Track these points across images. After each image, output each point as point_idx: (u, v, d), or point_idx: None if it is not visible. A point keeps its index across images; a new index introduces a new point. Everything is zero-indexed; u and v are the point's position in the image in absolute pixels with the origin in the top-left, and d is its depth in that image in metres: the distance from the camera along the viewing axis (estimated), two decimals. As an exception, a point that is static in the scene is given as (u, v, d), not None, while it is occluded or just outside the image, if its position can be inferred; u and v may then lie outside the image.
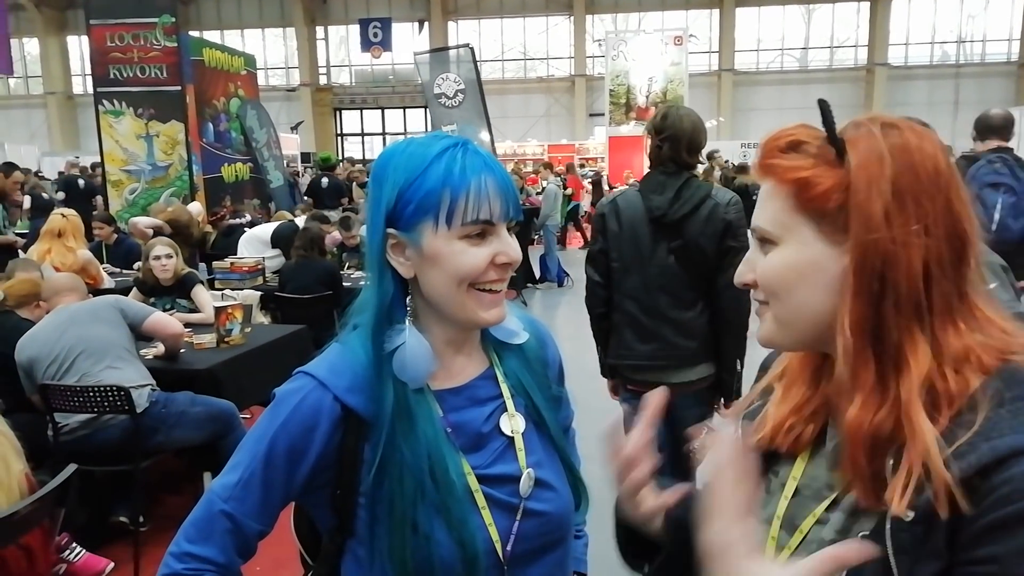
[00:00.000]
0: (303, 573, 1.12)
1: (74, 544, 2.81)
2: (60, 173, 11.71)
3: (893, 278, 0.68)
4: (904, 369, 0.68)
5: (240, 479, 0.92)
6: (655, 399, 0.85)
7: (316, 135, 24.45)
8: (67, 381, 2.89)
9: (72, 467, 1.96)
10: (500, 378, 1.01)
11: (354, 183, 11.42)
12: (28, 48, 25.40)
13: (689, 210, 2.36)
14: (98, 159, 8.74)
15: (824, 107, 0.71)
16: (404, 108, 25.35)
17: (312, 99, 24.84)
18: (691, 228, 2.36)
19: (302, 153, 18.68)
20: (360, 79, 25.80)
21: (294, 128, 20.27)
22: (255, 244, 5.97)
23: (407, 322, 0.95)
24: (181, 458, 3.46)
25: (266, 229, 6.19)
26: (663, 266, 2.40)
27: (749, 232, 0.80)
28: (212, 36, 21.67)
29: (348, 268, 5.88)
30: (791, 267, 0.73)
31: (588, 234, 12.49)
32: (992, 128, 3.68)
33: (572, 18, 24.06)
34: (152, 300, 4.04)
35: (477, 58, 11.29)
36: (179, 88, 8.24)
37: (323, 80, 25.69)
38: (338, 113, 26.18)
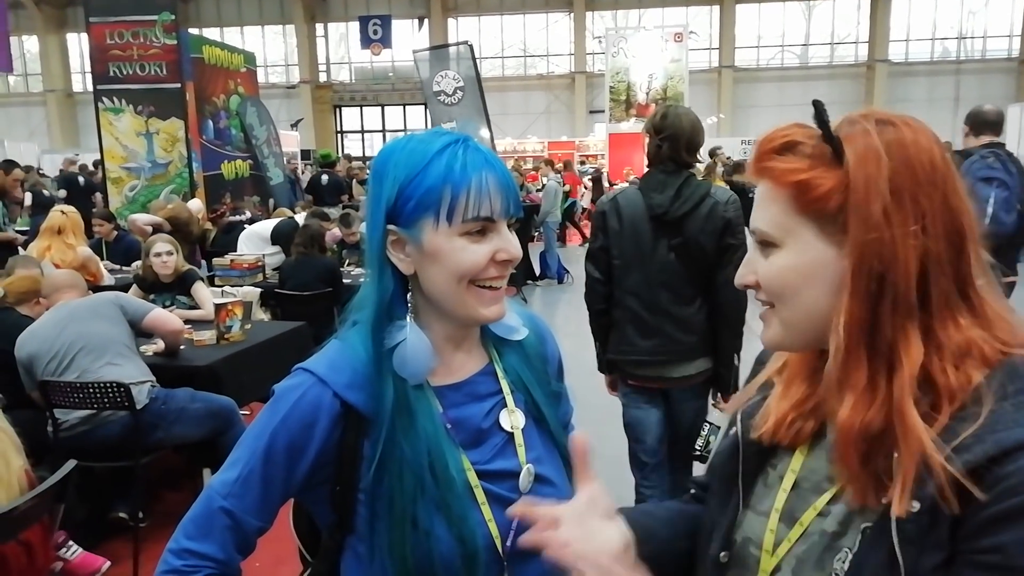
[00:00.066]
0: (302, 570, 1.12)
1: (71, 542, 2.81)
2: (61, 171, 11.68)
3: (891, 277, 0.68)
4: (896, 367, 0.68)
5: (239, 476, 0.92)
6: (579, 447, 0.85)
7: (316, 132, 24.43)
8: (67, 377, 2.89)
9: (72, 463, 1.96)
10: (500, 374, 1.01)
11: (354, 180, 11.42)
12: (28, 46, 25.37)
13: (690, 208, 2.39)
14: (98, 156, 8.74)
15: (818, 107, 0.71)
16: (404, 105, 25.33)
17: (312, 96, 24.82)
18: (691, 226, 2.39)
19: (302, 150, 18.67)
20: (360, 76, 25.77)
21: (294, 125, 20.24)
22: (255, 241, 5.97)
23: (408, 319, 0.95)
24: (181, 454, 3.46)
25: (266, 226, 6.19)
26: (664, 263, 2.43)
27: (748, 231, 0.79)
28: (212, 33, 21.65)
29: (348, 265, 5.88)
30: (795, 270, 0.72)
31: (586, 231, 12.53)
32: (988, 123, 3.75)
33: (572, 15, 24.03)
34: (152, 297, 4.04)
35: (476, 55, 11.27)
36: (179, 85, 8.24)
37: (323, 77, 25.66)
38: (338, 110, 26.15)
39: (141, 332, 3.23)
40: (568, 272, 9.28)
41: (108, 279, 5.19)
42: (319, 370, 0.94)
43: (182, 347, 3.44)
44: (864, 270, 0.68)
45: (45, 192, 9.69)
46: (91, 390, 2.84)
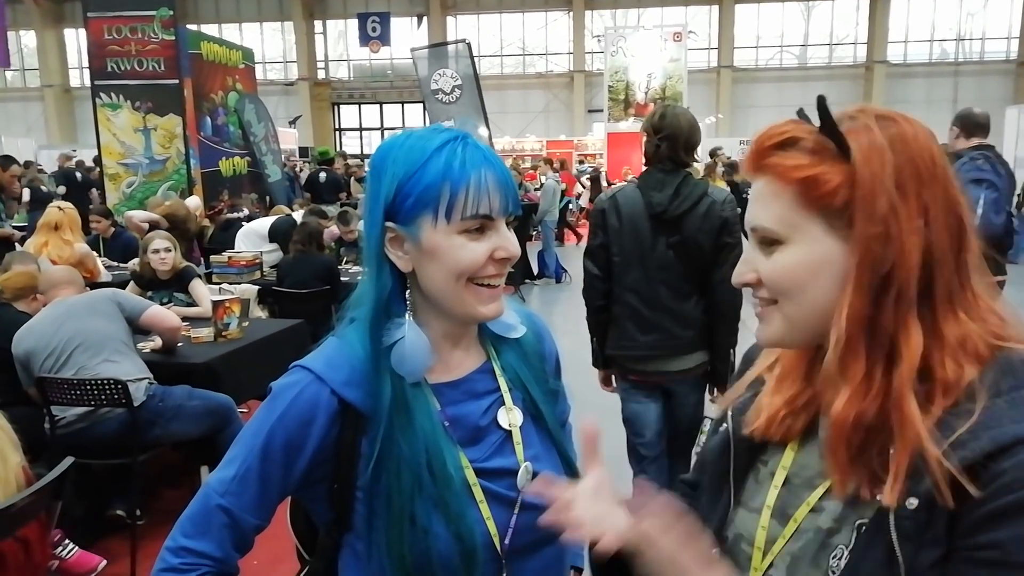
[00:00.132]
0: (300, 568, 1.12)
1: (67, 540, 2.81)
2: (60, 167, 11.66)
3: (896, 270, 0.68)
4: (896, 360, 0.69)
5: (237, 473, 0.92)
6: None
7: (314, 130, 24.40)
8: (64, 374, 2.88)
9: (69, 460, 1.96)
10: (498, 372, 1.01)
11: (352, 177, 11.40)
12: (25, 41, 25.29)
13: (688, 207, 2.44)
14: (95, 152, 8.72)
15: (822, 103, 0.71)
16: (402, 103, 25.31)
17: (310, 93, 24.77)
18: (689, 224, 2.44)
19: (300, 148, 18.65)
20: (358, 74, 25.73)
21: (292, 122, 20.22)
22: (252, 238, 5.96)
23: (407, 316, 0.95)
24: (178, 452, 3.46)
25: (264, 223, 6.18)
26: (662, 260, 2.48)
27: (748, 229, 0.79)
28: (210, 30, 21.54)
29: (346, 263, 5.88)
30: (804, 266, 0.72)
31: (578, 231, 12.53)
32: (979, 125, 3.85)
33: (571, 13, 24.01)
34: (150, 294, 4.03)
35: (475, 53, 11.27)
36: (177, 82, 8.22)
37: (321, 74, 25.62)
38: (336, 108, 26.11)
39: (139, 329, 3.23)
40: (566, 271, 9.28)
41: (105, 276, 5.18)
42: (316, 367, 0.94)
43: (180, 344, 3.44)
44: (869, 264, 0.69)
45: (43, 188, 9.68)
46: (88, 387, 2.84)
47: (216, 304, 3.64)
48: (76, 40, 24.17)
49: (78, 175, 10.60)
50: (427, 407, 0.94)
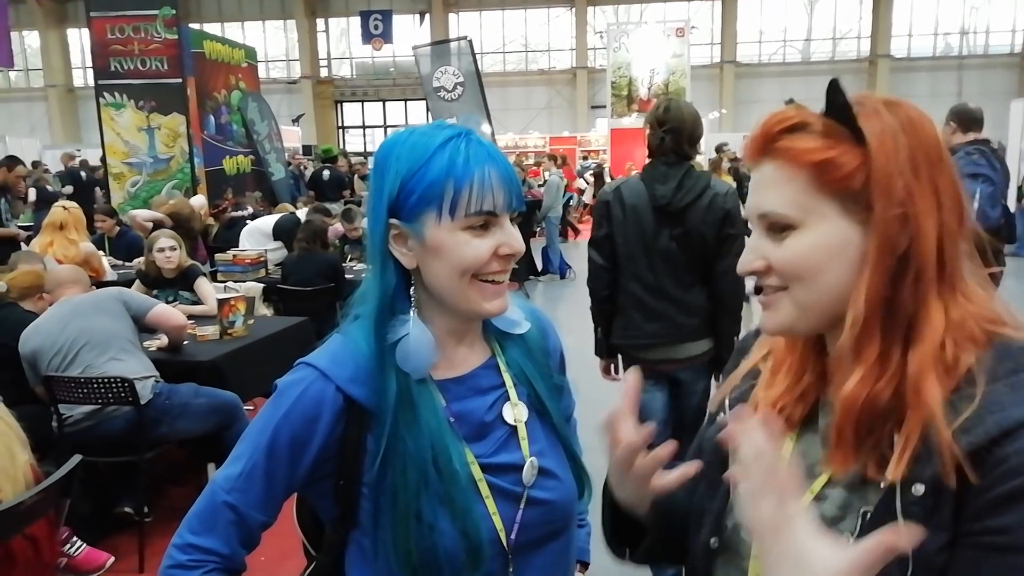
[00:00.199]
0: (307, 564, 1.13)
1: (75, 538, 2.82)
2: (66, 166, 11.70)
3: (915, 251, 0.69)
4: (915, 341, 0.69)
5: (243, 470, 0.93)
6: (632, 379, 0.84)
7: (317, 128, 24.41)
8: (71, 373, 2.90)
9: (77, 458, 1.97)
10: (502, 367, 1.01)
11: (356, 175, 11.41)
12: (28, 41, 25.33)
13: (691, 199, 2.48)
14: (99, 152, 8.75)
15: (837, 86, 0.71)
16: (405, 101, 25.29)
17: (313, 92, 24.78)
18: (693, 216, 2.48)
19: (303, 146, 18.66)
20: (361, 71, 25.72)
21: (295, 121, 20.24)
22: (257, 236, 5.97)
23: (411, 313, 0.95)
24: (185, 449, 3.47)
25: (268, 221, 6.19)
26: (666, 251, 2.52)
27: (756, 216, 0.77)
28: (213, 28, 21.48)
29: (350, 260, 5.89)
30: (821, 249, 0.71)
31: (578, 227, 12.50)
32: (975, 120, 3.92)
33: (574, 10, 23.96)
34: (155, 292, 4.04)
35: (477, 50, 11.25)
36: (180, 81, 8.24)
37: (324, 72, 25.62)
38: (339, 106, 26.11)
39: (144, 327, 3.24)
40: (570, 267, 9.27)
41: (110, 275, 5.20)
42: (321, 364, 0.94)
43: (185, 342, 3.45)
44: (889, 246, 0.69)
45: (49, 188, 9.71)
46: (95, 385, 2.85)
47: (221, 302, 3.65)
48: (79, 40, 24.19)
49: (83, 174, 10.63)
50: (432, 403, 0.94)
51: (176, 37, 8.17)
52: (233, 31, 23.43)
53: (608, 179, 13.79)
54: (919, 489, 0.65)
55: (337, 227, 5.86)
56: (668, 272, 2.52)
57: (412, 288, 0.97)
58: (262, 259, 5.42)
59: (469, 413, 0.97)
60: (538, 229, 10.05)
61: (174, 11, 8.18)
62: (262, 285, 5.01)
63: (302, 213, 6.17)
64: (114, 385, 2.84)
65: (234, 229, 6.60)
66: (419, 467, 0.91)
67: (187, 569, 0.91)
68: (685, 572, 0.90)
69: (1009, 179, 8.21)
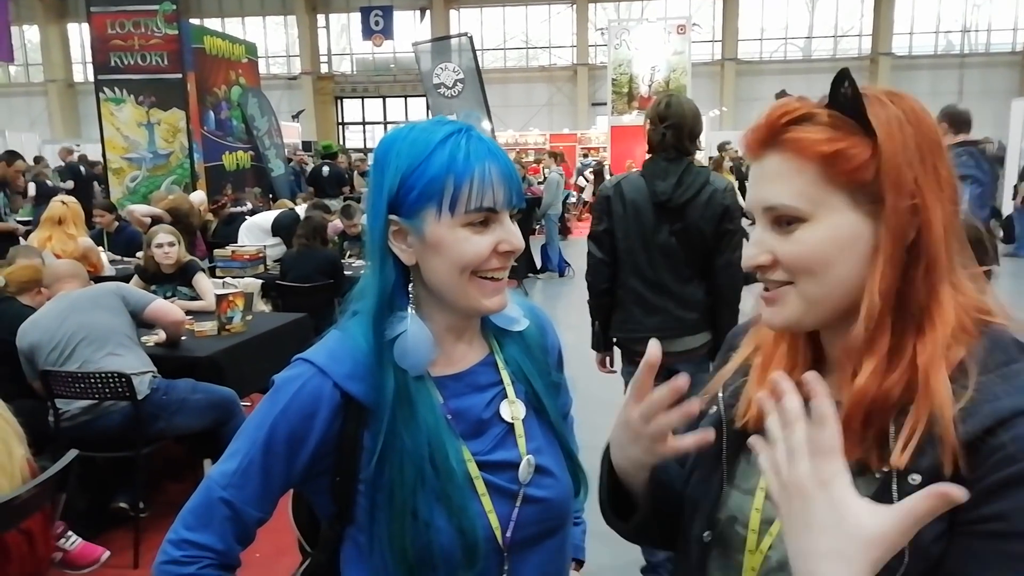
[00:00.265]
0: (302, 560, 1.12)
1: (70, 532, 2.82)
2: (68, 161, 11.69)
3: (924, 242, 0.69)
4: (927, 330, 0.69)
5: (239, 466, 0.92)
6: (653, 350, 0.82)
7: (317, 124, 24.38)
8: (68, 367, 2.89)
9: (73, 453, 1.96)
10: (500, 365, 1.01)
11: (355, 171, 11.40)
12: (28, 35, 25.29)
13: (691, 195, 2.50)
14: (99, 147, 8.74)
15: (848, 76, 0.70)
16: (405, 97, 25.27)
17: (313, 87, 24.75)
18: (692, 212, 2.50)
19: (303, 142, 18.64)
20: (361, 67, 25.70)
21: (295, 116, 20.21)
22: (256, 232, 5.97)
23: (409, 310, 0.95)
24: (182, 445, 3.47)
25: (267, 217, 6.19)
26: (666, 246, 2.54)
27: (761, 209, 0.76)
28: (213, 23, 21.57)
29: (349, 256, 5.88)
30: (832, 242, 0.71)
31: (571, 225, 12.47)
32: (966, 121, 4.02)
33: (574, 6, 23.93)
34: (153, 287, 4.04)
35: (477, 47, 11.23)
36: (180, 76, 8.23)
37: (324, 68, 25.58)
38: (339, 102, 26.08)
39: (142, 323, 3.23)
40: (569, 265, 9.27)
41: (109, 270, 5.20)
42: (319, 360, 0.94)
43: (183, 338, 3.44)
44: (900, 237, 0.69)
45: (48, 182, 9.70)
46: (92, 380, 2.84)
47: (220, 298, 3.64)
48: (79, 35, 24.16)
49: (82, 169, 10.62)
50: (430, 400, 0.94)
51: (176, 32, 8.15)
52: (233, 26, 23.40)
53: (608, 176, 13.79)
54: (916, 479, 0.65)
55: (336, 223, 5.86)
56: (667, 267, 2.55)
57: (411, 284, 0.96)
58: (261, 255, 5.42)
59: (466, 410, 0.97)
60: (537, 227, 10.04)
61: (174, 6, 8.16)
62: (261, 281, 5.01)
63: (301, 209, 6.16)
64: (111, 380, 2.84)
65: (233, 225, 6.59)
66: (416, 464, 0.90)
67: (182, 565, 0.91)
68: (677, 563, 0.90)
69: (998, 180, 8.30)
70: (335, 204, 7.17)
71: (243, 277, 5.04)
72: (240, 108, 9.78)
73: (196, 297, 4.08)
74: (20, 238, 5.96)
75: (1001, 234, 10.59)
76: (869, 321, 0.70)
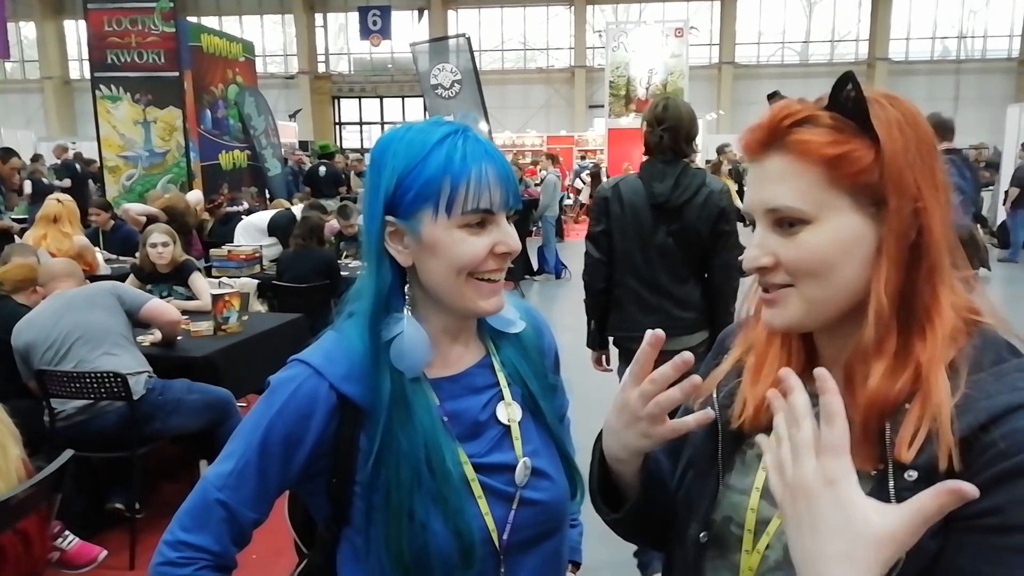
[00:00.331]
0: (298, 561, 1.12)
1: (67, 532, 2.81)
2: (59, 159, 11.66)
3: (926, 243, 0.70)
4: (927, 330, 0.70)
5: (235, 468, 0.92)
6: (655, 332, 0.81)
7: (314, 123, 24.35)
8: (64, 367, 2.88)
9: (69, 453, 1.96)
10: (497, 367, 1.01)
11: (352, 172, 11.39)
12: (25, 32, 25.22)
13: (688, 197, 2.54)
14: (95, 144, 8.72)
15: (852, 78, 0.70)
16: (403, 97, 25.25)
17: (310, 87, 24.72)
18: (689, 213, 2.54)
19: (300, 141, 18.62)
20: (359, 67, 25.67)
21: (292, 116, 20.18)
22: (251, 232, 5.95)
23: (405, 311, 0.95)
24: (178, 445, 3.46)
25: (263, 217, 6.17)
26: (663, 246, 2.58)
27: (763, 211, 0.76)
28: (210, 22, 21.53)
29: (346, 257, 5.88)
30: (835, 244, 0.71)
31: (566, 227, 12.45)
32: (949, 129, 4.10)
33: (572, 8, 23.95)
34: (149, 287, 4.03)
35: (475, 48, 11.23)
36: (177, 74, 8.21)
37: (321, 68, 25.56)
38: (336, 101, 26.05)
39: (138, 322, 3.22)
40: (566, 267, 9.27)
41: (104, 269, 5.18)
42: (315, 361, 0.94)
43: (179, 338, 3.44)
44: (904, 239, 0.70)
45: (44, 180, 9.67)
46: (88, 380, 2.84)
47: (216, 298, 3.64)
48: (76, 32, 24.10)
49: (77, 166, 10.60)
50: (426, 402, 0.93)
51: (173, 30, 8.13)
52: (231, 25, 23.36)
53: (605, 179, 13.80)
54: (912, 475, 0.66)
55: (333, 224, 5.85)
56: (664, 267, 2.59)
57: (407, 286, 0.96)
58: (257, 255, 5.41)
59: (463, 412, 0.97)
60: (534, 228, 10.04)
61: (172, 4, 8.14)
62: (257, 281, 5.00)
63: (297, 209, 6.15)
64: (107, 380, 2.83)
65: (229, 224, 6.58)
66: (412, 466, 0.90)
67: (177, 566, 0.91)
68: (672, 564, 0.90)
69: (981, 188, 8.37)
70: (331, 204, 7.16)
71: (239, 277, 5.03)
72: (237, 107, 9.75)
73: (192, 297, 4.07)
74: (15, 236, 5.94)
75: (995, 241, 10.64)
76: (878, 323, 0.70)
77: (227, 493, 0.92)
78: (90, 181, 10.21)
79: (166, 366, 3.18)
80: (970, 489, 0.55)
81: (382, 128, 25.14)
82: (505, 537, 0.94)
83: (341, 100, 26.11)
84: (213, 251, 5.55)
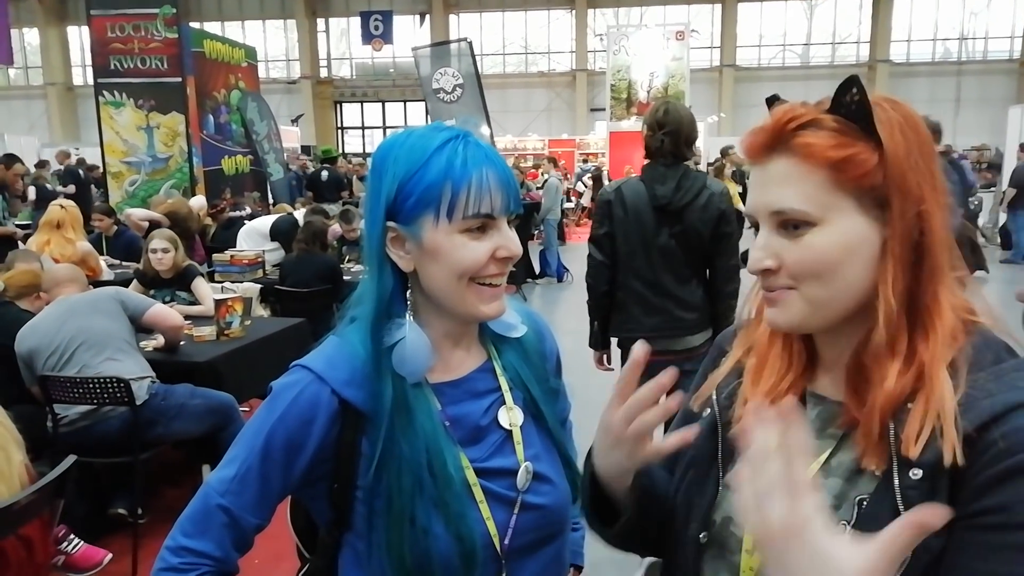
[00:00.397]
0: (300, 566, 1.12)
1: (72, 536, 2.81)
2: (62, 165, 11.69)
3: (928, 244, 0.71)
4: (930, 330, 0.71)
5: (237, 473, 0.92)
6: (639, 349, 0.80)
7: (316, 128, 24.41)
8: (67, 372, 2.89)
9: (72, 458, 1.96)
10: (498, 371, 1.01)
11: (354, 176, 11.41)
12: (28, 38, 25.32)
13: (690, 199, 2.58)
14: (98, 150, 8.74)
15: (857, 82, 0.71)
16: (405, 101, 25.31)
17: (313, 92, 24.78)
18: (690, 215, 2.59)
19: (302, 146, 18.66)
20: (361, 72, 25.73)
21: (294, 121, 20.24)
22: (254, 237, 5.97)
23: (408, 317, 0.95)
24: (180, 450, 3.46)
25: (265, 222, 6.19)
26: (665, 248, 2.62)
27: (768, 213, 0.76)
28: (213, 28, 21.56)
29: (348, 261, 5.88)
30: (841, 245, 0.71)
31: (571, 232, 12.45)
32: (938, 131, 4.39)
33: (574, 12, 23.99)
34: (152, 292, 4.03)
35: (477, 52, 11.24)
36: (180, 79, 8.24)
37: (324, 73, 25.62)
38: (338, 106, 26.12)
39: (141, 327, 3.23)
40: (568, 270, 9.27)
41: (108, 274, 5.19)
42: (317, 367, 0.94)
43: (182, 343, 3.44)
44: (908, 240, 0.71)
45: (48, 186, 9.71)
46: (91, 385, 2.84)
47: (218, 303, 3.64)
48: (79, 38, 24.19)
49: (80, 173, 10.63)
50: (428, 407, 0.93)
51: (176, 36, 8.17)
52: (233, 30, 23.44)
53: (607, 182, 13.80)
54: (917, 473, 0.66)
55: (335, 228, 5.86)
56: (667, 268, 2.63)
57: (409, 291, 0.96)
58: (259, 260, 5.42)
59: (464, 417, 0.97)
60: (536, 232, 10.04)
61: (174, 10, 8.17)
62: (259, 286, 5.01)
63: (299, 214, 6.16)
64: (110, 385, 2.83)
65: (232, 229, 6.59)
66: (414, 471, 0.90)
67: (179, 572, 0.91)
68: (668, 564, 0.90)
69: (967, 190, 8.36)
70: (334, 208, 7.16)
71: (242, 282, 5.04)
72: (239, 112, 9.78)
73: (195, 302, 4.07)
74: (19, 242, 5.95)
75: (997, 241, 10.62)
76: (889, 324, 0.71)
77: (229, 498, 0.92)
78: (92, 187, 10.24)
79: (169, 371, 3.19)
80: (937, 519, 0.54)
81: (384, 132, 25.17)
82: (507, 542, 0.94)
83: (343, 104, 26.18)
84: (216, 256, 5.56)
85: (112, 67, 8.17)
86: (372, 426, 0.92)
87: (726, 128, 21.56)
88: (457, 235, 0.90)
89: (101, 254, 5.49)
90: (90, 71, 9.96)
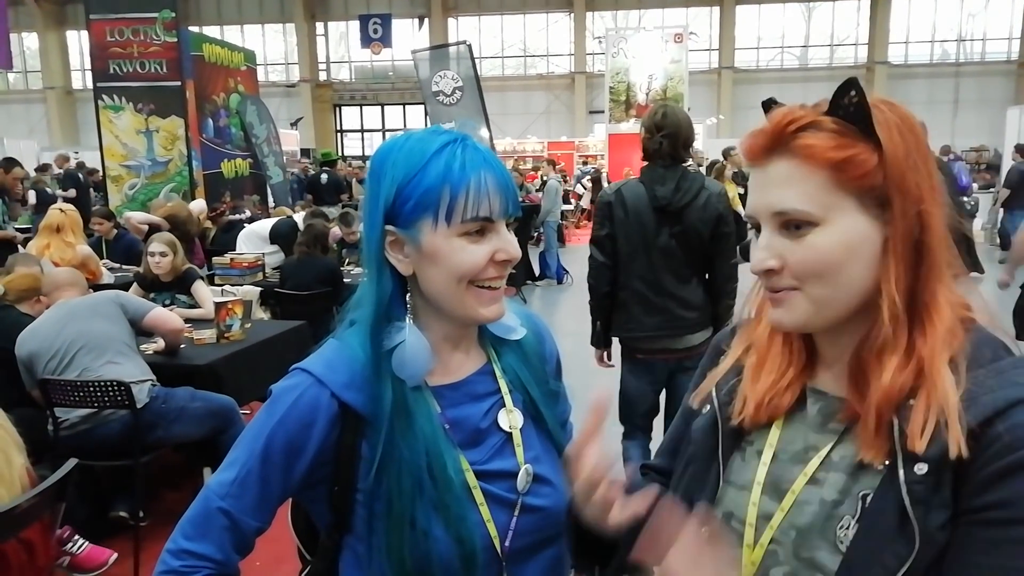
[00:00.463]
0: (301, 568, 1.13)
1: (76, 536, 2.82)
2: (67, 169, 11.69)
3: (927, 243, 0.72)
4: (929, 327, 0.72)
5: (237, 476, 0.92)
6: (598, 405, 0.86)
7: (316, 131, 24.41)
8: (67, 376, 2.89)
9: (72, 462, 1.96)
10: (498, 374, 1.01)
11: (354, 179, 11.42)
12: (28, 42, 25.33)
13: (689, 200, 2.61)
14: (97, 154, 8.75)
15: (856, 84, 0.72)
16: (404, 105, 25.32)
17: (312, 95, 24.79)
18: (690, 215, 2.62)
19: (301, 149, 18.67)
20: (360, 75, 25.75)
21: (294, 124, 20.23)
22: (254, 240, 5.97)
23: (407, 320, 0.95)
24: (181, 453, 3.46)
25: (265, 225, 6.19)
26: (665, 249, 2.65)
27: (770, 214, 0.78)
28: (212, 31, 21.60)
29: (348, 264, 5.89)
30: (843, 245, 0.72)
31: (570, 234, 12.43)
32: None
33: (572, 15, 24.01)
34: (152, 295, 4.03)
35: (476, 55, 11.26)
36: (179, 83, 8.24)
37: (323, 76, 25.63)
38: (338, 109, 26.13)
39: (141, 331, 3.23)
40: (568, 272, 9.27)
41: (107, 277, 5.19)
42: (316, 370, 0.94)
43: (182, 346, 3.44)
44: (909, 238, 0.72)
45: (48, 190, 9.71)
46: (91, 389, 2.84)
47: (218, 306, 3.64)
48: (78, 42, 24.20)
49: (80, 176, 10.64)
50: (427, 410, 0.94)
51: (175, 40, 8.17)
52: (232, 34, 23.45)
53: (606, 184, 13.81)
54: (922, 468, 0.67)
55: (335, 231, 5.86)
56: (667, 268, 2.66)
57: (408, 294, 0.97)
58: (259, 263, 5.42)
59: (464, 420, 0.97)
60: (535, 234, 10.05)
61: (173, 14, 8.18)
62: (259, 289, 5.01)
63: (299, 217, 6.16)
64: (110, 389, 2.83)
65: (232, 232, 6.59)
66: (414, 474, 0.90)
67: (181, 574, 0.91)
68: None
69: (965, 192, 8.35)
70: (333, 211, 7.17)
71: (242, 285, 5.04)
72: (239, 115, 9.79)
73: (195, 305, 4.07)
74: (18, 246, 5.95)
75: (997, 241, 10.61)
76: (892, 321, 0.72)
77: (229, 502, 0.92)
78: (91, 191, 10.25)
79: (169, 374, 3.19)
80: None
81: (383, 135, 25.20)
82: (507, 544, 0.95)
83: (342, 108, 26.19)
84: (216, 259, 5.56)
85: (111, 71, 8.17)
86: (372, 429, 0.92)
87: (725, 130, 21.57)
88: (456, 238, 0.90)
89: (101, 258, 5.50)
90: (89, 75, 9.95)
